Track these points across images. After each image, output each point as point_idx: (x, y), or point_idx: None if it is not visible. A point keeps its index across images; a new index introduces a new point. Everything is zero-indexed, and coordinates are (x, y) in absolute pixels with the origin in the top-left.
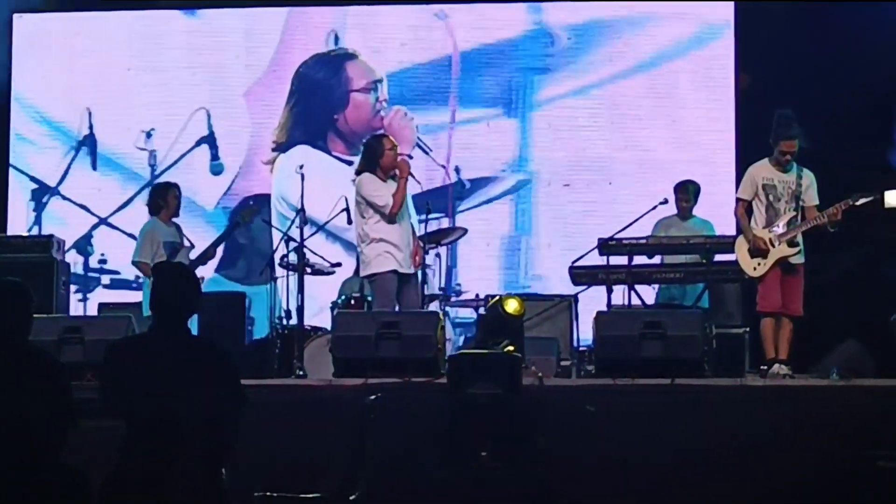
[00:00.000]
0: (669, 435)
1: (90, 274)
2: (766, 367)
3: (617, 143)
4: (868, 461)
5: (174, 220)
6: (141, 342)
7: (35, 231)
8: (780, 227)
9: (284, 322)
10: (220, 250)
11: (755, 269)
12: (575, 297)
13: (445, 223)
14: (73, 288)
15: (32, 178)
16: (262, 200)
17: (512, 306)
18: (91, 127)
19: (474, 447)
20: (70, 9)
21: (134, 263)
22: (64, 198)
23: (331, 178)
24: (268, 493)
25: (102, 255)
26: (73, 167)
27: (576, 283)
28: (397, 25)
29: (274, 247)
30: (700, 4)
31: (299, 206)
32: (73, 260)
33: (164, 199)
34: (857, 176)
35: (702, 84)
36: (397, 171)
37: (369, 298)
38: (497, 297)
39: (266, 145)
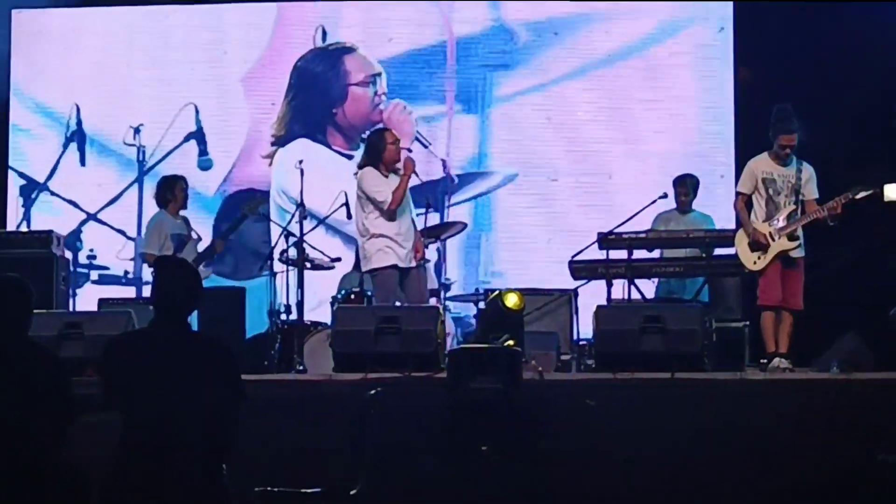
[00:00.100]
0: (669, 429)
1: (79, 269)
2: (766, 361)
3: (616, 137)
4: (868, 455)
5: (182, 212)
6: (141, 337)
7: (24, 227)
8: (780, 221)
9: (283, 317)
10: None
11: (755, 262)
12: (575, 292)
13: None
14: None
15: (21, 174)
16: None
17: (512, 301)
18: (79, 122)
19: (474, 442)
20: (67, 4)
21: (141, 255)
22: (52, 193)
23: (330, 172)
24: (268, 488)
25: (91, 250)
26: (61, 162)
27: (575, 277)
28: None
29: (267, 241)
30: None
31: (299, 201)
32: None
33: (171, 191)
34: (857, 170)
35: (701, 78)
36: (400, 167)
37: (369, 293)
38: (497, 292)
39: (252, 142)
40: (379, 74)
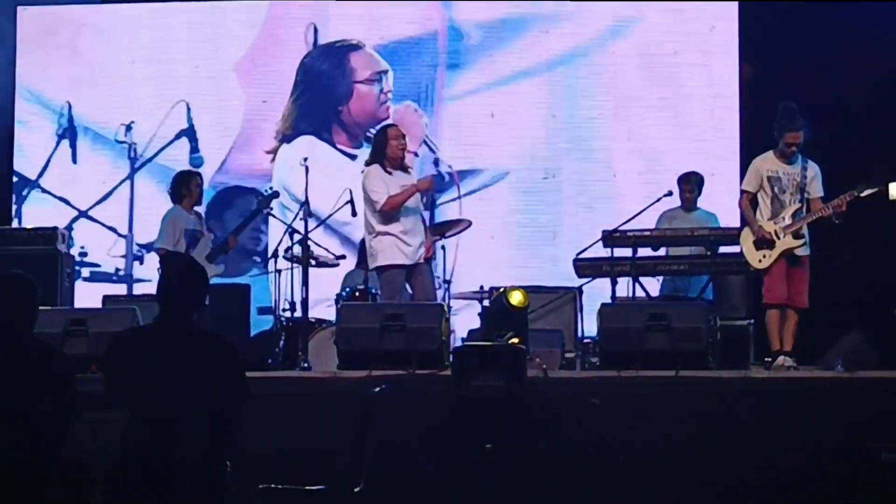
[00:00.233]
0: (674, 427)
1: None
2: (770, 359)
3: (621, 134)
4: (872, 453)
5: (196, 208)
6: (145, 334)
7: (15, 224)
8: (785, 219)
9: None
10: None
11: (760, 261)
12: (579, 290)
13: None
14: None
15: (14, 172)
16: (241, 191)
17: (516, 298)
18: (71, 119)
19: (478, 439)
20: (68, 2)
21: (155, 250)
22: (44, 191)
23: (332, 170)
24: (272, 486)
25: (82, 247)
26: (52, 160)
27: (580, 275)
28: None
29: (255, 238)
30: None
31: (303, 198)
32: None
33: (186, 187)
34: (862, 168)
35: (705, 76)
36: (410, 165)
37: (373, 291)
38: (502, 290)
39: (242, 139)
40: (385, 72)
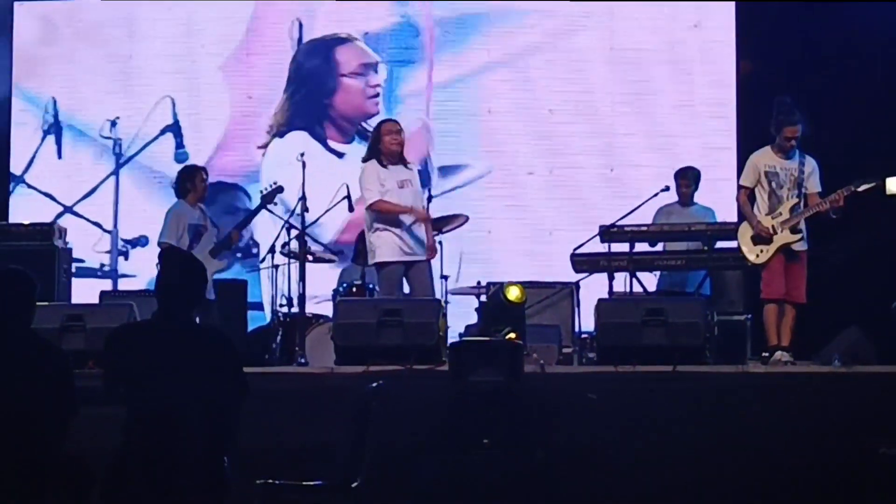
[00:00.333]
0: (671, 422)
1: None
2: (767, 354)
3: (619, 130)
4: (870, 448)
5: (200, 203)
6: (143, 329)
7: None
8: (782, 214)
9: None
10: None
11: (758, 256)
12: (576, 285)
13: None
14: None
15: None
16: (225, 187)
17: (513, 294)
18: (56, 115)
19: (476, 434)
20: None
21: (159, 245)
22: (29, 186)
23: (322, 166)
24: (270, 481)
25: (67, 243)
26: (37, 155)
27: (577, 270)
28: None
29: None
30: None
31: (300, 194)
32: None
33: (191, 181)
34: (859, 162)
35: (703, 71)
36: (411, 161)
37: (371, 286)
38: (499, 285)
39: (229, 135)
40: (375, 65)
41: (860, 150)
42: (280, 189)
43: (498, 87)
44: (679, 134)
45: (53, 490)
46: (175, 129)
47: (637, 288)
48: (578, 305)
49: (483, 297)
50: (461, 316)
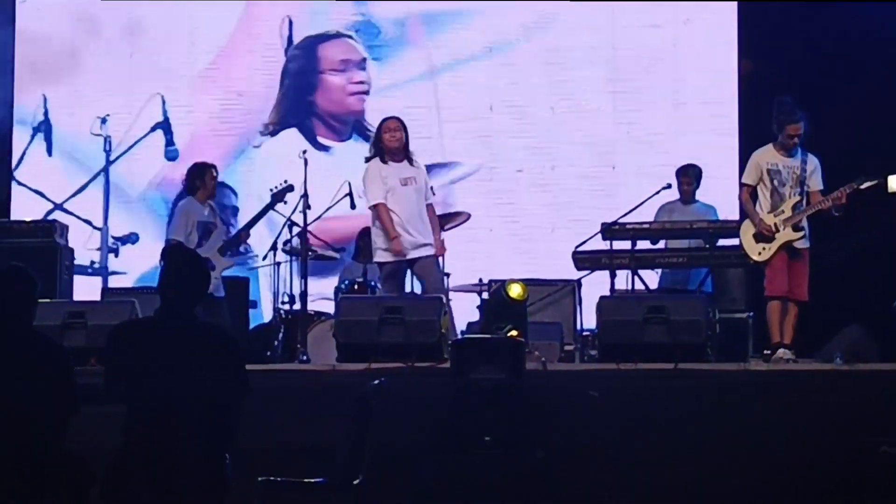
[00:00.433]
0: (673, 420)
1: None
2: (769, 352)
3: (621, 127)
4: (872, 446)
5: (209, 200)
6: (145, 326)
7: None
8: (785, 212)
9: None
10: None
11: (760, 253)
12: (578, 282)
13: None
14: None
15: None
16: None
17: (515, 291)
18: (46, 113)
19: (478, 432)
20: None
21: (167, 241)
22: (19, 183)
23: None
24: (271, 479)
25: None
26: (27, 153)
27: (579, 267)
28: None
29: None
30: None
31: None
32: None
33: (201, 179)
34: (861, 160)
35: (705, 69)
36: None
37: (372, 283)
38: (500, 282)
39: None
40: (361, 61)
41: (861, 148)
42: (290, 188)
43: (497, 84)
44: (681, 132)
45: (53, 489)
46: (165, 126)
47: (639, 285)
48: (580, 303)
49: (485, 295)
50: (463, 313)
